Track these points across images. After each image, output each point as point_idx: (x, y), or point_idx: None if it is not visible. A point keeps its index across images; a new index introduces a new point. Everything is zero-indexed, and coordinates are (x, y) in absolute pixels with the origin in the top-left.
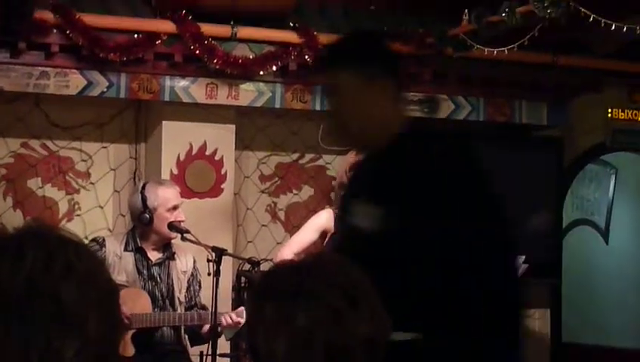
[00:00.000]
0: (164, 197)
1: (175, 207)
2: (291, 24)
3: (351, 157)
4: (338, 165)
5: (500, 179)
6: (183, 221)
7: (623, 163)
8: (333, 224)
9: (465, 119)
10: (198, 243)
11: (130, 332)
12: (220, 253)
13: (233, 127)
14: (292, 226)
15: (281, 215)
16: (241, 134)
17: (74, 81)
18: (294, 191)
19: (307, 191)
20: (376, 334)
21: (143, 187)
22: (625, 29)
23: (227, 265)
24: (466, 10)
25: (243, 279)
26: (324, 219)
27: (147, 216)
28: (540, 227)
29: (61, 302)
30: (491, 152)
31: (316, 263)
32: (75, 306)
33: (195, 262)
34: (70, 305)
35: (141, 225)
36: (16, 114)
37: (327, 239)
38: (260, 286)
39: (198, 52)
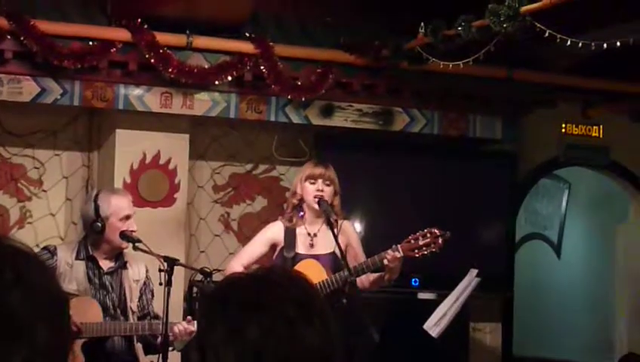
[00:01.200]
0: (117, 206)
1: (127, 217)
2: (247, 34)
3: (307, 167)
4: (293, 176)
5: (454, 193)
6: (134, 231)
7: (576, 177)
8: (283, 236)
9: (419, 132)
10: (150, 252)
11: (81, 342)
12: (172, 262)
13: (187, 136)
14: (245, 237)
15: (234, 225)
16: (195, 144)
17: (27, 88)
18: (248, 202)
19: (260, 202)
20: (329, 348)
21: (96, 195)
22: (580, 44)
23: (179, 275)
24: (422, 24)
25: (195, 289)
26: (274, 232)
27: (99, 224)
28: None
29: (9, 311)
30: (445, 166)
31: (269, 276)
32: (24, 315)
33: (147, 271)
34: (18, 314)
35: (93, 233)
36: None
37: (277, 252)
38: (211, 299)
39: (152, 61)
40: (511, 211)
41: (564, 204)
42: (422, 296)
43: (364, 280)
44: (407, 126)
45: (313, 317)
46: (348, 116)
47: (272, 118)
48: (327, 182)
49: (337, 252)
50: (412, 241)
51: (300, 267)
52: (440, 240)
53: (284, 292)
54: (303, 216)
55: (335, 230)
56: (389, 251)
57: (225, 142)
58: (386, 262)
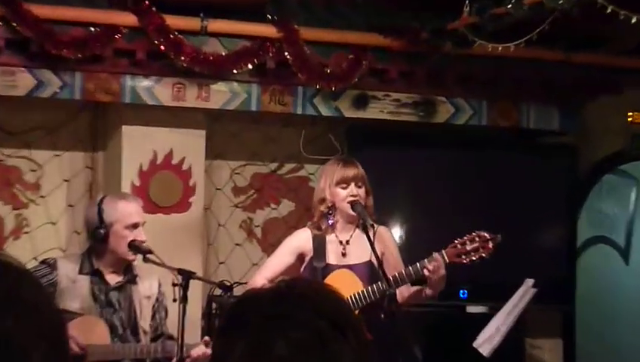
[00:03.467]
0: (124, 212)
1: (136, 225)
2: (269, 16)
3: (335, 169)
4: (320, 177)
5: (506, 192)
6: (144, 241)
7: None
8: (312, 245)
9: (465, 124)
10: (162, 265)
11: None
12: (187, 276)
13: (203, 132)
14: (269, 245)
15: (258, 232)
16: (212, 141)
17: (22, 81)
18: (272, 206)
19: (287, 206)
20: None
21: (101, 200)
22: None
23: (196, 290)
24: (467, 1)
25: (214, 305)
26: (301, 240)
27: (102, 231)
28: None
29: (0, 334)
30: (495, 161)
31: (294, 287)
32: (17, 339)
33: (160, 285)
34: (11, 337)
35: (96, 242)
36: None
37: (305, 263)
38: (229, 316)
39: (163, 48)
40: (571, 212)
41: (632, 202)
42: (471, 309)
43: (404, 291)
44: (451, 117)
45: (347, 331)
46: (384, 107)
47: (299, 111)
48: (360, 184)
49: (374, 261)
50: (458, 246)
51: (332, 278)
52: (490, 245)
53: (312, 304)
54: (333, 224)
55: (371, 235)
56: (432, 258)
57: (246, 138)
58: (426, 272)
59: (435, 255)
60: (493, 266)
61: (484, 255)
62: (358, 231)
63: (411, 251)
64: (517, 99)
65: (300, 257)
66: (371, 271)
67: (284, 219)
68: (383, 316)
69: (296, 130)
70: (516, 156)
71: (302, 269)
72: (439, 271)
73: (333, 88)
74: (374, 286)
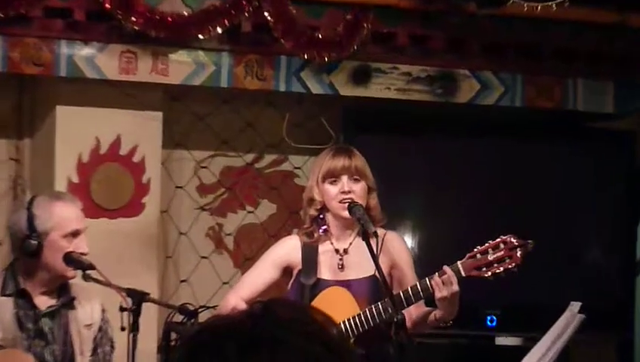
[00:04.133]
0: (61, 216)
1: (76, 233)
2: None
3: (323, 159)
4: (310, 171)
5: (544, 192)
6: (85, 253)
7: None
8: (301, 256)
9: (495, 105)
10: (107, 284)
11: None
12: (139, 298)
13: (160, 115)
14: (245, 259)
15: (229, 242)
16: (171, 126)
17: None
18: (248, 209)
19: (267, 209)
20: None
21: (31, 202)
22: None
23: (150, 316)
24: None
25: (174, 335)
26: (288, 250)
27: (34, 242)
28: None
29: None
30: (531, 152)
31: (273, 310)
32: None
33: (104, 311)
34: None
35: (25, 256)
36: None
37: (292, 279)
38: (191, 348)
39: (108, 6)
40: (629, 216)
41: None
42: (501, 340)
43: (412, 312)
44: (476, 96)
45: (341, 353)
46: (391, 83)
47: (282, 88)
48: (356, 177)
49: (379, 276)
50: (478, 255)
51: (323, 298)
52: (518, 253)
53: (300, 326)
54: (326, 231)
55: (374, 245)
56: (441, 271)
57: (214, 122)
58: (435, 291)
59: (445, 267)
60: (529, 285)
61: (510, 266)
62: (358, 238)
63: (427, 264)
64: (561, 74)
65: (287, 271)
66: (375, 290)
67: (263, 226)
68: (391, 350)
69: (278, 112)
70: (559, 146)
71: (289, 286)
72: (450, 287)
73: (326, 59)
74: (375, 307)
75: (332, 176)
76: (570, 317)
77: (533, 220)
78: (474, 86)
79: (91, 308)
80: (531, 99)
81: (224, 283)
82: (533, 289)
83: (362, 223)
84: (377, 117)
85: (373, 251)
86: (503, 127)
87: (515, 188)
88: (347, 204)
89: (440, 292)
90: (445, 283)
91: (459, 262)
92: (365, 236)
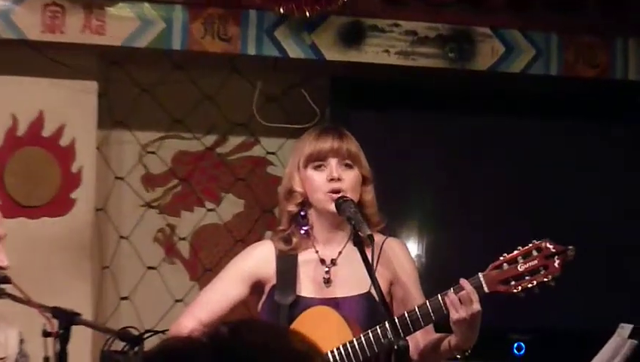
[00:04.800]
0: None
1: None
2: None
3: (306, 140)
4: (288, 157)
5: (586, 183)
6: (4, 267)
7: None
8: (275, 268)
9: (523, 73)
10: (26, 301)
11: None
12: (68, 319)
13: (95, 85)
14: (204, 270)
15: (184, 249)
16: (109, 100)
17: None
18: (209, 205)
19: (232, 205)
20: None
21: None
22: None
23: (83, 342)
24: None
25: None
26: (258, 259)
27: None
28: None
29: None
30: (570, 134)
31: (243, 335)
32: None
33: (22, 342)
34: None
35: None
36: None
37: (264, 296)
38: None
39: None
40: None
41: None
42: None
43: (420, 339)
44: (499, 62)
45: None
46: (391, 45)
47: (251, 51)
48: (348, 162)
49: (375, 293)
50: (505, 266)
51: (304, 322)
52: (556, 263)
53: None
54: (308, 232)
55: (370, 253)
56: (458, 286)
57: (165, 95)
58: (450, 309)
59: (463, 281)
60: (565, 304)
61: (546, 279)
62: (350, 244)
63: (435, 278)
64: (607, 33)
65: (257, 287)
66: (371, 311)
67: (227, 227)
68: None
69: (246, 81)
70: (605, 125)
71: (259, 306)
72: (469, 306)
73: (308, 13)
74: (372, 333)
75: (317, 160)
76: (620, 343)
77: (571, 220)
78: (497, 49)
79: (5, 336)
80: (569, 66)
81: (177, 300)
82: (571, 309)
83: (354, 224)
84: (374, 89)
85: (368, 259)
86: (533, 102)
87: (546, 181)
88: (336, 197)
89: (457, 314)
90: (463, 302)
91: (480, 275)
92: (358, 241)
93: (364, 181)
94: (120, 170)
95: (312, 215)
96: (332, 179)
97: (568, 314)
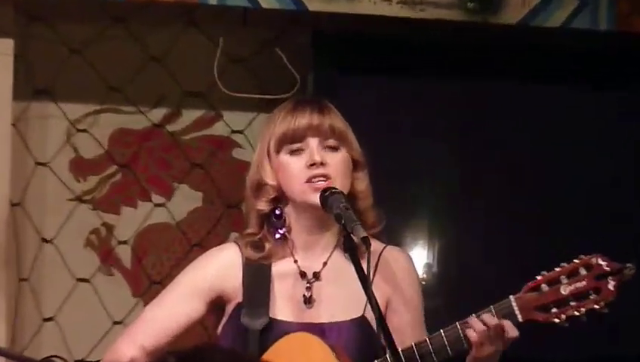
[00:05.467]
0: None
1: None
2: None
3: (280, 115)
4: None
5: None
6: None
7: None
8: (241, 280)
9: (563, 28)
10: None
11: None
12: None
13: (10, 44)
14: (150, 283)
15: (124, 255)
16: (29, 63)
17: None
18: (156, 200)
19: (187, 199)
20: None
21: None
22: None
23: None
24: None
25: None
26: (221, 268)
27: None
28: None
29: None
30: (625, 106)
31: None
32: None
33: None
34: None
35: None
36: None
37: (227, 315)
38: None
39: None
40: None
41: None
42: None
43: None
44: (533, 13)
45: None
46: None
47: (213, 1)
48: (332, 142)
49: (370, 318)
50: (544, 287)
51: (279, 352)
52: (611, 285)
53: None
54: (283, 235)
55: (365, 263)
56: (483, 313)
57: (100, 56)
58: (472, 340)
59: (492, 310)
60: (621, 328)
61: (597, 306)
62: (339, 251)
63: (443, 292)
64: None
65: (217, 304)
66: (366, 340)
67: (180, 228)
68: None
69: (206, 38)
70: None
71: (219, 329)
72: (498, 338)
73: None
74: None
75: (292, 141)
76: None
77: (624, 224)
78: None
79: None
80: (624, 19)
81: (116, 322)
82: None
83: (344, 222)
84: (369, 49)
85: (363, 272)
86: (576, 66)
87: (593, 170)
88: (318, 184)
89: (481, 348)
90: (491, 333)
91: (512, 298)
92: (350, 247)
93: (355, 166)
94: (42, 154)
95: (289, 214)
96: (313, 164)
97: (621, 341)
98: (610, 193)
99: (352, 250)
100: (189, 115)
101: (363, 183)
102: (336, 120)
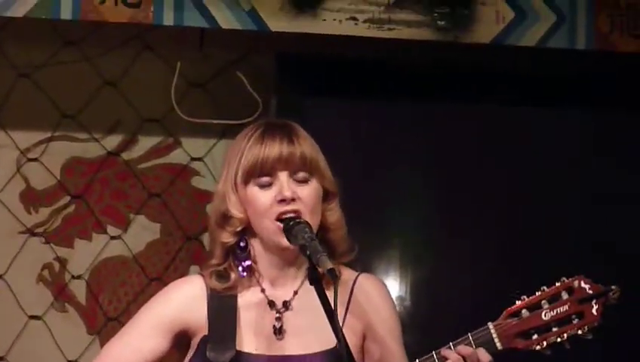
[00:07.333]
0: None
1: None
2: None
3: (244, 142)
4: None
5: (634, 186)
6: None
7: None
8: (207, 313)
9: (540, 47)
10: None
11: None
12: None
13: None
14: (107, 319)
15: (79, 291)
16: None
17: None
18: (112, 231)
19: (144, 231)
20: None
21: None
22: None
23: None
24: None
25: None
26: (184, 301)
27: None
28: None
29: None
30: (605, 128)
31: None
32: None
33: None
34: None
35: None
36: None
37: (192, 351)
38: None
39: None
40: None
41: None
42: None
43: None
44: (507, 31)
45: None
46: (358, 10)
47: (168, 21)
48: (303, 174)
49: (342, 349)
50: (524, 312)
51: None
52: (594, 309)
53: None
54: (249, 268)
55: (330, 298)
56: (461, 341)
57: (52, 80)
58: None
59: (470, 337)
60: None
61: (581, 332)
62: (307, 282)
63: (419, 324)
64: None
65: (181, 339)
66: None
67: (137, 261)
68: None
69: (162, 62)
70: None
71: None
72: None
73: None
74: None
75: (261, 174)
76: None
77: (610, 246)
78: (504, 14)
79: None
80: (602, 38)
81: (70, 361)
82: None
83: (309, 254)
84: (335, 70)
85: (329, 304)
86: (553, 86)
87: (575, 192)
88: (285, 220)
89: None
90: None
91: (490, 325)
92: (315, 279)
93: (327, 196)
94: None
95: (254, 247)
96: (283, 200)
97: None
98: (592, 214)
99: (317, 282)
100: (146, 142)
101: (335, 215)
102: (307, 147)
